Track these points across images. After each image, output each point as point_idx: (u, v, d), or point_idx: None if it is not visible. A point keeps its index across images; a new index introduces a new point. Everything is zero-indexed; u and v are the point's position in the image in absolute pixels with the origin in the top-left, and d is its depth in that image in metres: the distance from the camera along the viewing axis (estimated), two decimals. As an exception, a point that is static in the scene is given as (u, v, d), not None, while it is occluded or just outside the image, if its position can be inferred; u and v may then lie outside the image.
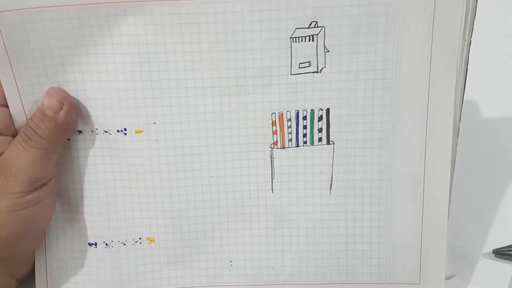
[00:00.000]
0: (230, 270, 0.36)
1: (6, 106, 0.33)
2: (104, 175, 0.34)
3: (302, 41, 0.31)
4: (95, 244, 0.35)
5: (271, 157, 0.34)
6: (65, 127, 0.32)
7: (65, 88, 0.32)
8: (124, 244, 0.35)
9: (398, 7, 0.30)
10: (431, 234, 0.34)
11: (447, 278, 0.36)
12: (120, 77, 0.32)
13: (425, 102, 0.32)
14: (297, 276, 0.35)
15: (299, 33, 0.31)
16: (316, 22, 0.31)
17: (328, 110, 0.32)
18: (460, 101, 0.32)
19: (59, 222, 0.35)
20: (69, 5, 0.30)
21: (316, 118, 0.33)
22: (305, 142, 0.33)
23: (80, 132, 0.33)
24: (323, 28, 0.31)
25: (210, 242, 0.35)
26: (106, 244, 0.35)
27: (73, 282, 0.36)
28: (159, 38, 0.31)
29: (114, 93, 0.32)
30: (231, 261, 0.35)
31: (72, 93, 0.32)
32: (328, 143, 0.33)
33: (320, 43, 0.31)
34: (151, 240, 0.35)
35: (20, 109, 0.32)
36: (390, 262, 0.35)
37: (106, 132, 0.33)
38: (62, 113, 0.31)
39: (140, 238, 0.35)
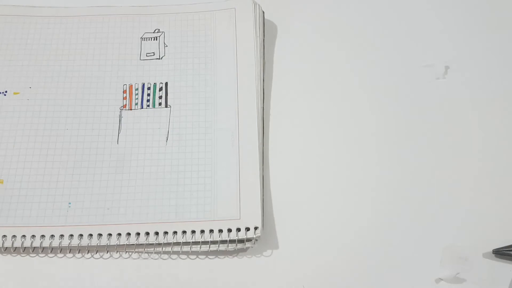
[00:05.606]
0: (67, 211, 0.38)
1: None
2: None
3: (149, 40, 0.45)
4: None
5: (120, 116, 0.42)
6: None
7: None
8: None
9: (212, 19, 0.46)
10: (247, 176, 0.39)
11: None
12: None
13: (235, 73, 0.43)
14: (130, 215, 0.38)
15: (147, 35, 0.45)
16: (159, 29, 0.46)
17: (166, 84, 0.43)
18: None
19: None
20: None
21: (157, 89, 0.43)
22: (148, 106, 0.43)
23: None
24: (163, 32, 0.45)
25: (54, 185, 0.39)
26: None
27: None
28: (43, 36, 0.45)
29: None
30: (69, 203, 0.38)
31: None
32: (166, 106, 0.42)
33: (161, 41, 0.45)
34: (0, 181, 0.39)
35: None
36: (215, 201, 0.38)
37: None
38: None
39: None
